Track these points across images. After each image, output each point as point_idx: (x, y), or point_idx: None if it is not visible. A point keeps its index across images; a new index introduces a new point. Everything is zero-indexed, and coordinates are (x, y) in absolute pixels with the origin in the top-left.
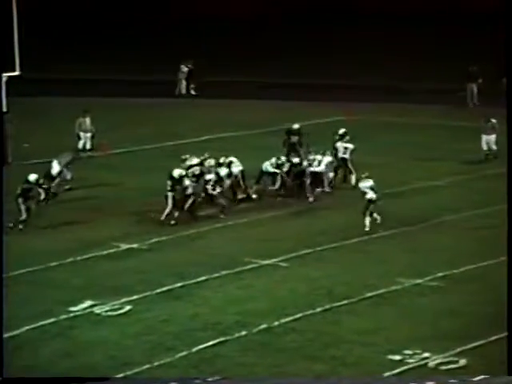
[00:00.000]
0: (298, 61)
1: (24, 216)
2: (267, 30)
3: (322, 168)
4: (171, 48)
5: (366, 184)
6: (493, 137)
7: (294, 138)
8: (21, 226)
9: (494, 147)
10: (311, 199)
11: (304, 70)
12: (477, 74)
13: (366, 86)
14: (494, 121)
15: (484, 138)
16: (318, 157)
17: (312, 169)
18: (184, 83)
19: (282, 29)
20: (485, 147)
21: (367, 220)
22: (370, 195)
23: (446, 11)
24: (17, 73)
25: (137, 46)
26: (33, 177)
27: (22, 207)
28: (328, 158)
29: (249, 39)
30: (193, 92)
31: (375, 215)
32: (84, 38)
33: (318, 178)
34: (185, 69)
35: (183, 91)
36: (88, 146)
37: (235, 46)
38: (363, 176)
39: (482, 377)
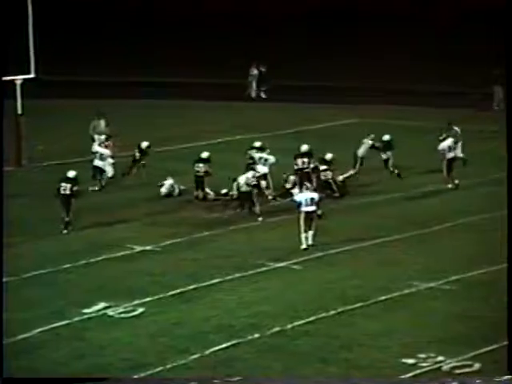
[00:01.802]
0: (314, 63)
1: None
2: (291, 32)
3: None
4: (180, 49)
5: (308, 195)
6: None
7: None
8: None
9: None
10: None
11: (321, 73)
12: (502, 76)
13: (383, 89)
14: (456, 128)
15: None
16: None
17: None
18: (254, 86)
19: (302, 31)
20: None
21: (303, 236)
22: (311, 208)
23: (461, 13)
24: (32, 75)
25: (153, 48)
26: (72, 173)
27: (72, 207)
28: None
29: (269, 40)
30: (263, 95)
31: (310, 234)
32: (98, 39)
33: None
34: (255, 71)
35: (253, 94)
36: None
37: (252, 48)
38: (309, 187)
39: (507, 377)
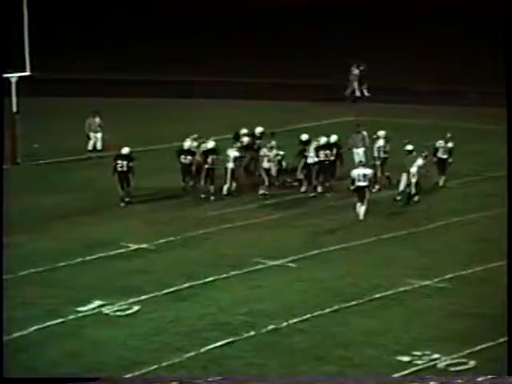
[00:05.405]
0: (307, 61)
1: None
2: (281, 29)
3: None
4: (180, 48)
5: (361, 171)
6: (361, 150)
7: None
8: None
9: (364, 159)
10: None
11: (315, 71)
12: None
13: (378, 87)
14: (364, 133)
15: (354, 151)
16: None
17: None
18: (355, 85)
19: (296, 29)
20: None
21: (358, 206)
22: (362, 183)
23: (464, 12)
24: (27, 73)
25: (150, 46)
26: (126, 150)
27: (130, 182)
28: None
29: (263, 37)
30: (366, 93)
31: (362, 210)
32: (96, 36)
33: None
34: (356, 70)
35: (355, 93)
36: (98, 147)
37: (243, 43)
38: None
39: (489, 377)
